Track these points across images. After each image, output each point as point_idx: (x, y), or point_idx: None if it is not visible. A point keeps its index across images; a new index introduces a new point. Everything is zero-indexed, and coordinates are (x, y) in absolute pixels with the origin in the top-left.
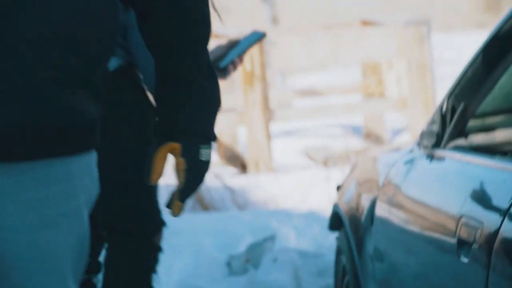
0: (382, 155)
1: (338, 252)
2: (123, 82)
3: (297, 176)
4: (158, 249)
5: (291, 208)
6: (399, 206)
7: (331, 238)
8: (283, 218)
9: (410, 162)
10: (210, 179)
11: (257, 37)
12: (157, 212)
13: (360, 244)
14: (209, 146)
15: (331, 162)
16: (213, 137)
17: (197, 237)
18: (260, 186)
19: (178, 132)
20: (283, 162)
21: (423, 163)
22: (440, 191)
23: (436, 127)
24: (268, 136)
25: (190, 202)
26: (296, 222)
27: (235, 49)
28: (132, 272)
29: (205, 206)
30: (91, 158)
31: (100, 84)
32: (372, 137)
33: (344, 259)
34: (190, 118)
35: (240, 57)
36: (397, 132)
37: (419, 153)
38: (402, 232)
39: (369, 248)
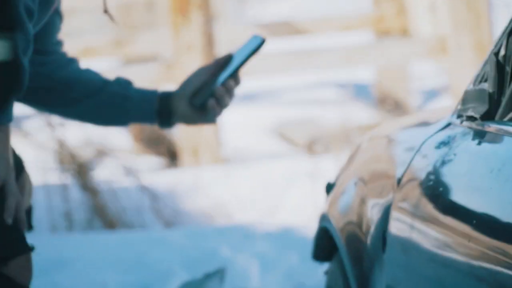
0: (401, 132)
1: None
2: None
3: (263, 170)
4: None
5: (252, 223)
6: (431, 219)
7: (318, 274)
8: (239, 241)
9: (447, 143)
10: (116, 176)
11: (256, 46)
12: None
13: (365, 284)
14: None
15: (319, 147)
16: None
17: (96, 272)
18: (200, 188)
19: None
20: (239, 148)
21: (467, 146)
22: (498, 193)
23: (489, 86)
24: None
25: (83, 214)
26: (260, 248)
27: (224, 72)
28: None
29: (109, 222)
30: None
31: None
32: (389, 104)
33: None
34: None
35: (227, 83)
36: (431, 94)
37: (461, 128)
38: (436, 263)
39: None
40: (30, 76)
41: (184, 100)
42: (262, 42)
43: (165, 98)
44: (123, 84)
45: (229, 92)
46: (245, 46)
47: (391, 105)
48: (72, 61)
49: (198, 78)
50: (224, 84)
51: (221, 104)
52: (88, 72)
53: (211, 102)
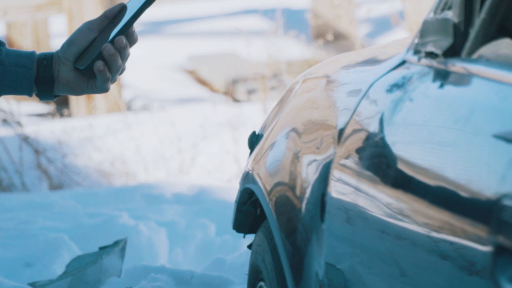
0: (344, 72)
1: (254, 276)
2: None
3: (171, 118)
4: None
5: (158, 184)
6: (381, 181)
7: (240, 248)
8: (143, 207)
9: (401, 86)
10: None
11: None
12: None
13: (299, 260)
14: None
15: (241, 89)
16: None
17: None
18: (95, 141)
19: None
20: (142, 91)
21: (427, 89)
22: (465, 148)
23: (454, 15)
24: None
25: None
26: (168, 215)
27: (115, 27)
28: None
29: None
30: None
31: None
32: (328, 34)
33: None
34: None
35: (117, 40)
36: (380, 24)
37: (419, 67)
38: (387, 234)
39: (317, 267)
40: None
41: (67, 64)
42: None
43: (45, 62)
44: None
45: (121, 52)
46: None
47: (332, 36)
48: None
49: (83, 36)
50: (114, 41)
51: (112, 67)
52: None
53: (99, 64)
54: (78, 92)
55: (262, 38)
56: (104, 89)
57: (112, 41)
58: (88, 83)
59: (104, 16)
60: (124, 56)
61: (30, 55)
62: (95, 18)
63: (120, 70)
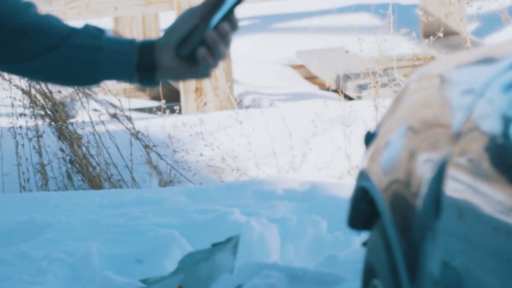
0: (458, 72)
1: (368, 273)
2: None
3: (282, 115)
4: None
5: (270, 180)
6: (497, 180)
7: (353, 245)
8: (254, 203)
9: None
10: (101, 122)
11: None
12: None
13: (414, 258)
14: None
15: (351, 85)
16: None
17: (77, 242)
18: (206, 137)
19: None
20: (251, 85)
21: None
22: None
23: None
24: None
25: (59, 168)
26: (280, 211)
27: (217, 14)
28: None
29: (92, 178)
30: None
31: None
32: (438, 32)
33: (380, 286)
34: None
35: (220, 26)
36: (488, 20)
37: None
38: (503, 233)
39: (432, 265)
40: None
41: (169, 51)
42: None
43: (146, 49)
44: (93, 33)
45: (224, 38)
46: None
47: (443, 34)
48: (29, 6)
49: (185, 23)
50: (216, 28)
51: (214, 53)
52: (49, 18)
53: (202, 51)
54: (180, 78)
55: (371, 34)
56: (206, 75)
57: (215, 28)
58: (190, 69)
59: (206, 3)
60: (227, 42)
61: (132, 42)
62: (197, 5)
63: (222, 56)
